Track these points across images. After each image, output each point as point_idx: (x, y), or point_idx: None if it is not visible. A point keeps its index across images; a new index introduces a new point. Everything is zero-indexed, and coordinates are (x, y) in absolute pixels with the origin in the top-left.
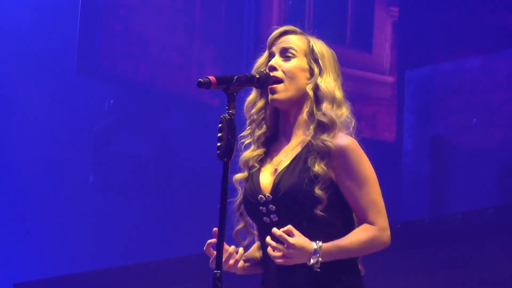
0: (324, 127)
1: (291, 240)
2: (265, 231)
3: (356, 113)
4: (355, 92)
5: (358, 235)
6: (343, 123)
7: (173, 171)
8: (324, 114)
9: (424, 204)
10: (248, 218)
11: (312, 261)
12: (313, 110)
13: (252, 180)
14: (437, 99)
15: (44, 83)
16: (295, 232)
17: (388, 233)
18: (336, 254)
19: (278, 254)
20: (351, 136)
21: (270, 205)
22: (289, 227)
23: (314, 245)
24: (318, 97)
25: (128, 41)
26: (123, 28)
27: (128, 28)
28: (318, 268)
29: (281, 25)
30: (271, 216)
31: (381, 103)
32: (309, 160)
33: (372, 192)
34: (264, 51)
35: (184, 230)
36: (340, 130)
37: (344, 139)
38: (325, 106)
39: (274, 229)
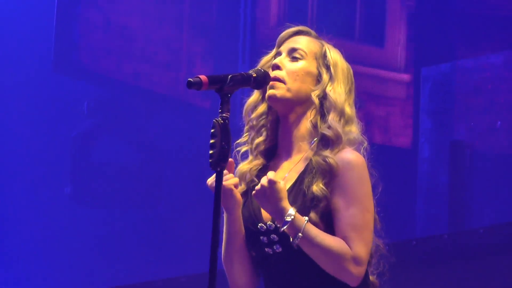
0: (328, 142)
1: (270, 175)
2: (267, 263)
3: (366, 115)
4: (365, 92)
5: (333, 241)
6: (351, 141)
7: (161, 181)
8: (329, 127)
9: (442, 217)
10: None
11: (287, 218)
12: (317, 122)
13: (252, 203)
14: (457, 100)
15: (16, 82)
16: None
17: (359, 270)
18: (309, 239)
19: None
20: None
21: (272, 235)
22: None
23: (292, 210)
24: (325, 107)
25: (110, 35)
26: (105, 21)
27: (111, 20)
28: (296, 242)
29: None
30: (274, 247)
31: (394, 104)
32: (306, 180)
33: (359, 217)
34: (271, 49)
35: (173, 248)
36: (345, 147)
37: (348, 154)
38: (332, 118)
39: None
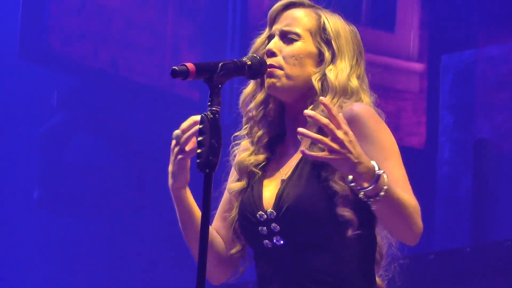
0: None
1: (344, 126)
2: (266, 258)
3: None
4: (372, 84)
5: (405, 195)
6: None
7: (143, 184)
8: (322, 111)
9: (464, 228)
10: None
11: (379, 171)
12: (318, 107)
13: (252, 191)
14: (482, 93)
15: None
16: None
17: (421, 223)
18: (391, 193)
19: (318, 153)
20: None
21: (273, 224)
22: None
23: (376, 165)
24: (325, 90)
25: (85, 17)
26: (78, 0)
27: (85, 0)
28: (382, 193)
29: None
30: (274, 239)
31: (406, 98)
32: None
33: (399, 170)
34: (263, 30)
35: (156, 260)
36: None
37: (352, 106)
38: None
39: (308, 111)
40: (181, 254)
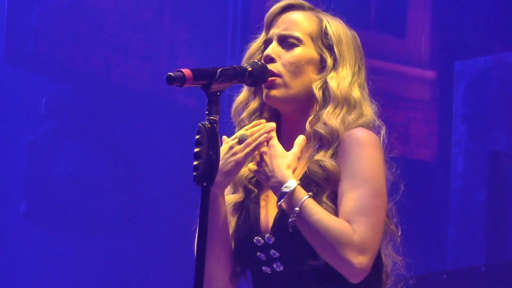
0: (323, 141)
1: (274, 143)
2: (265, 284)
3: (381, 121)
4: (381, 92)
5: (333, 221)
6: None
7: (137, 197)
8: (324, 123)
9: (479, 246)
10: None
11: (283, 189)
12: (318, 118)
13: (249, 212)
14: (497, 101)
15: None
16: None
17: (361, 261)
18: (307, 216)
19: (251, 167)
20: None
21: (272, 251)
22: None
23: (293, 181)
24: (325, 99)
25: (74, 19)
26: (69, 1)
27: (76, 0)
28: (293, 218)
29: None
30: (274, 265)
31: (417, 107)
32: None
33: (367, 200)
34: (260, 33)
35: (148, 276)
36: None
37: (358, 132)
38: (328, 111)
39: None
40: (175, 269)
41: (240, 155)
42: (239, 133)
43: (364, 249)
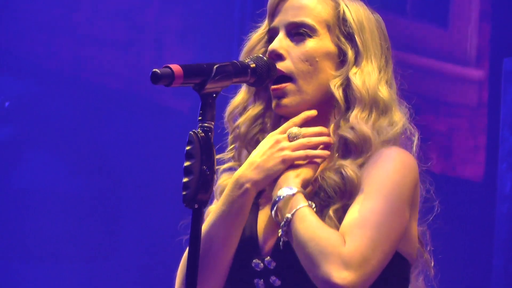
0: (350, 148)
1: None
2: None
3: (418, 130)
4: (417, 94)
5: (324, 231)
6: (392, 140)
7: (117, 217)
8: (351, 128)
9: None
10: None
11: (279, 192)
12: (340, 122)
13: (244, 230)
14: None
15: None
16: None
17: (344, 276)
18: (297, 223)
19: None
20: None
21: (273, 278)
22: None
23: (295, 187)
24: (349, 99)
25: (40, 7)
26: None
27: None
28: (284, 228)
29: None
30: None
31: (461, 114)
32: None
33: (374, 214)
34: (262, 21)
35: None
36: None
37: (394, 150)
38: (356, 114)
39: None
40: None
41: (289, 152)
42: (287, 127)
43: (352, 264)
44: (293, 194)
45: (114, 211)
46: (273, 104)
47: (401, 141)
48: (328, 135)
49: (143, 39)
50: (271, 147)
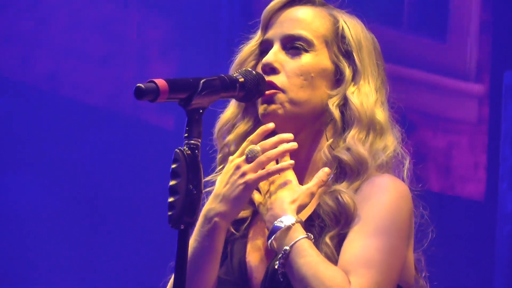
0: (345, 170)
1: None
2: None
3: (416, 148)
4: (415, 110)
5: (328, 267)
6: (386, 165)
7: (98, 241)
8: (348, 149)
9: None
10: None
11: (277, 223)
12: (338, 143)
13: (232, 259)
14: None
15: None
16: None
17: None
18: (297, 257)
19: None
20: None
21: None
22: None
23: (292, 217)
24: (345, 119)
25: (10, 16)
26: None
27: None
28: (281, 260)
29: None
30: None
31: (460, 130)
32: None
33: (376, 252)
34: (254, 32)
35: None
36: (377, 173)
37: (386, 178)
38: (353, 134)
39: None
40: None
41: (250, 176)
42: (246, 148)
43: None
44: (292, 224)
45: (93, 234)
46: (260, 110)
47: (393, 165)
48: (291, 140)
49: (124, 52)
50: (232, 174)
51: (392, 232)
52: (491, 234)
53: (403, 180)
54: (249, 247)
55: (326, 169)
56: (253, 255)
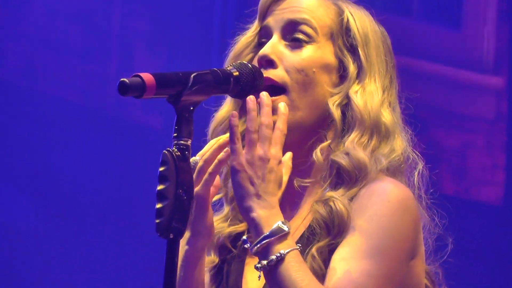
0: (342, 176)
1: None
2: None
3: (428, 147)
4: (426, 106)
5: (313, 285)
6: (390, 170)
7: (82, 256)
8: (346, 153)
9: None
10: None
11: (265, 229)
12: (338, 146)
13: (228, 280)
14: None
15: None
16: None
17: None
18: (281, 271)
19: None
20: (406, 187)
21: None
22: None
23: (283, 223)
24: (347, 121)
25: None
26: None
27: None
28: (264, 265)
29: None
30: None
31: (477, 128)
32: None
33: (372, 277)
34: (252, 22)
35: None
36: (382, 177)
37: (386, 184)
38: (353, 138)
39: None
40: None
41: (197, 188)
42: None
43: None
44: (283, 235)
45: (76, 238)
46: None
47: (403, 170)
48: (224, 145)
49: (107, 44)
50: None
51: (390, 253)
52: (510, 240)
53: (413, 186)
54: (246, 267)
55: (289, 154)
56: (250, 276)
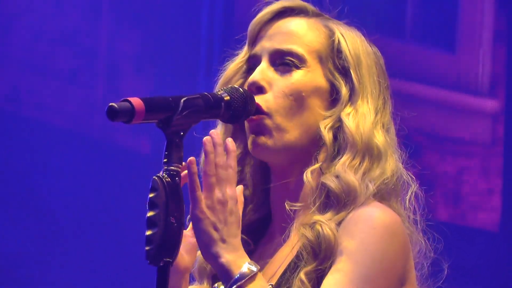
0: (331, 200)
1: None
2: None
3: (422, 171)
4: (420, 131)
5: None
6: (384, 192)
7: (66, 276)
8: (336, 176)
9: None
10: None
11: (234, 272)
12: (329, 168)
13: None
14: None
15: None
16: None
17: None
18: None
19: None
20: (393, 212)
21: None
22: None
23: (250, 264)
24: (337, 144)
25: None
26: None
27: None
28: None
29: None
30: None
31: (472, 152)
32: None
33: None
34: (242, 47)
35: None
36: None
37: (373, 210)
38: (344, 161)
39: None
40: None
41: None
42: None
43: None
44: (253, 276)
45: (60, 267)
46: (249, 141)
47: (396, 192)
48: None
49: (94, 67)
50: None
51: (378, 281)
52: (507, 269)
53: (407, 209)
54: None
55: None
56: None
